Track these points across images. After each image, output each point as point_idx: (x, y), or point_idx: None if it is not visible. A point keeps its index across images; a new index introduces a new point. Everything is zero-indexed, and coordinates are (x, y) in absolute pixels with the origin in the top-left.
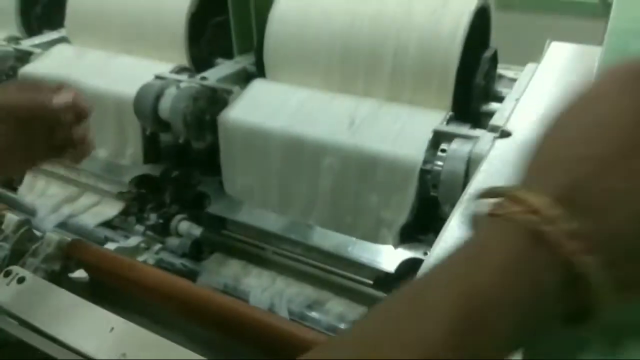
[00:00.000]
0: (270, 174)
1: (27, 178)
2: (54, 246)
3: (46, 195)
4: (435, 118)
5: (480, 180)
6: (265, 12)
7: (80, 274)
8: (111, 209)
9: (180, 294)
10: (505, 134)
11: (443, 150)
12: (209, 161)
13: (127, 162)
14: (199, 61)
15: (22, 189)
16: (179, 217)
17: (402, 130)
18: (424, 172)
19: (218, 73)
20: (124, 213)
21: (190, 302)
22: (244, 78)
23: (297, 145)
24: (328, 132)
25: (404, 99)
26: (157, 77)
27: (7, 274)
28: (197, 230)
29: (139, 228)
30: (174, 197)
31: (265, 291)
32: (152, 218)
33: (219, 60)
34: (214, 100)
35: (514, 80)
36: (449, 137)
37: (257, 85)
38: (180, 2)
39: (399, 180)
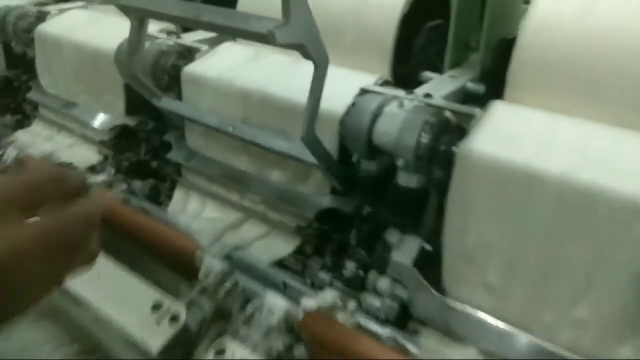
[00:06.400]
0: (530, 233)
1: (178, 194)
2: (281, 318)
3: (202, 218)
4: None
5: None
6: (507, 18)
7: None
8: (284, 245)
9: None
10: None
11: None
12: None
13: (309, 189)
14: (401, 73)
15: (173, 208)
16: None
17: None
18: None
19: (435, 90)
20: (300, 252)
21: None
22: (462, 98)
23: (586, 199)
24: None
25: None
26: (364, 91)
27: (220, 352)
28: (403, 292)
29: (323, 276)
30: (362, 240)
31: None
32: (350, 268)
33: (426, 73)
34: (448, 127)
35: None
36: None
37: (502, 110)
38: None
39: None
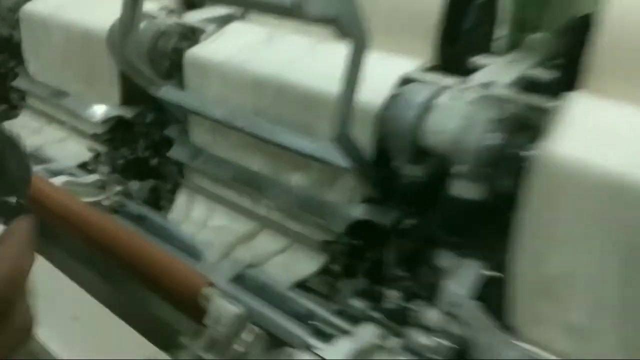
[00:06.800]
0: (629, 260)
1: (181, 198)
2: None
3: (208, 228)
4: None
5: None
6: None
7: None
8: (306, 263)
9: None
10: None
11: None
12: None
13: (337, 197)
14: (446, 57)
15: (174, 215)
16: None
17: None
18: None
19: (494, 78)
20: (325, 271)
21: None
22: (524, 88)
23: None
24: None
25: None
26: (407, 80)
27: None
28: (458, 328)
29: (357, 304)
30: (401, 260)
31: None
32: (391, 297)
33: (477, 58)
34: (518, 125)
35: None
36: None
37: (586, 104)
38: None
39: None
